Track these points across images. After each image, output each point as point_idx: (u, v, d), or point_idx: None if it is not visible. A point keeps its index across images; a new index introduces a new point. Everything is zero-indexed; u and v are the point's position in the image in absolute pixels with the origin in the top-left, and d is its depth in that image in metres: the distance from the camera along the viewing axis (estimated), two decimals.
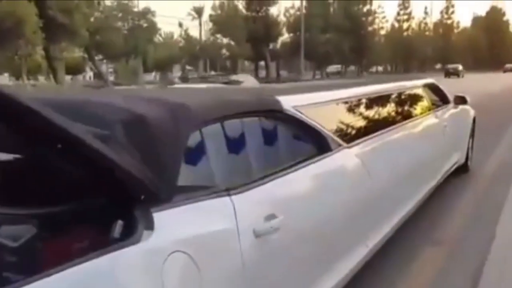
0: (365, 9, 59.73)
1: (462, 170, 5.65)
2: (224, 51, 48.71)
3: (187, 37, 47.52)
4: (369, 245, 2.75)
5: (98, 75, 41.80)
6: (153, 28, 44.43)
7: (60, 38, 29.69)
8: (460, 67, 51.97)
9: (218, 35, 47.79)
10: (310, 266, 2.20)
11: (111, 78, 43.71)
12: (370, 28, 61.83)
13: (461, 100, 5.66)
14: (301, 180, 2.25)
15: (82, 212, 1.57)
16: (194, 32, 53.53)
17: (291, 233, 1.97)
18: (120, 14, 43.05)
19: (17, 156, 1.78)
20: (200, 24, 44.09)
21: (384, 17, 69.86)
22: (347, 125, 2.99)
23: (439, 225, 4.06)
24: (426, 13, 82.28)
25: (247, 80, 16.84)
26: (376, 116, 3.52)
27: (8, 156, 1.78)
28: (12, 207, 1.67)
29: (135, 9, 43.12)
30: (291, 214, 2.01)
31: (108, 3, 40.71)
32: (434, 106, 4.98)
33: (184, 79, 34.25)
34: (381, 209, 2.97)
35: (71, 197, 1.58)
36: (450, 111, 5.34)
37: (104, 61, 44.98)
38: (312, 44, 46.32)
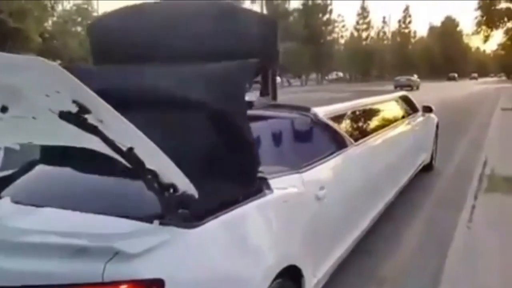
0: (324, 18, 62.10)
1: (428, 168, 6.99)
2: None
3: None
4: (378, 208, 4.14)
5: None
6: None
7: (11, 42, 29.04)
8: (414, 78, 46.98)
9: None
10: (346, 217, 3.39)
11: None
12: (329, 37, 64.25)
13: (427, 109, 7.02)
14: (333, 166, 3.40)
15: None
16: None
17: (331, 198, 3.10)
18: (79, 19, 43.25)
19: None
20: None
21: (343, 26, 72.85)
22: (354, 129, 4.20)
23: (415, 198, 5.73)
24: (384, 22, 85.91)
25: None
26: (372, 122, 4.79)
27: None
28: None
29: (95, 14, 43.46)
30: (330, 187, 3.14)
31: (67, 7, 40.81)
32: (407, 114, 6.27)
33: None
34: (380, 187, 4.27)
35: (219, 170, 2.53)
36: (419, 118, 6.66)
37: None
38: None
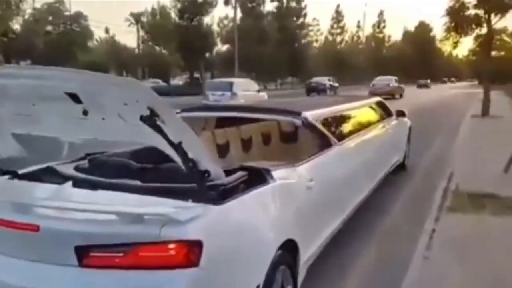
0: (299, 22, 63.15)
1: (401, 168, 7.73)
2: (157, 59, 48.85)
3: (113, 43, 47.30)
4: (358, 198, 4.85)
5: None
6: (85, 33, 44.70)
7: None
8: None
9: (150, 43, 48.14)
10: (331, 204, 4.05)
11: None
12: (304, 41, 65.35)
13: (401, 113, 7.79)
14: (320, 162, 4.04)
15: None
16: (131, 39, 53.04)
17: (318, 188, 3.74)
18: (50, 18, 43.15)
19: None
20: (138, 31, 44.63)
21: (318, 30, 74.31)
22: (338, 130, 4.88)
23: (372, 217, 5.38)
24: (358, 26, 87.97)
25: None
26: (353, 123, 5.49)
27: None
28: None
29: (67, 13, 43.45)
30: (317, 179, 3.78)
31: (37, 5, 40.66)
32: (382, 118, 6.99)
33: None
34: (359, 180, 4.95)
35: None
36: (393, 121, 7.40)
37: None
38: (247, 56, 47.57)
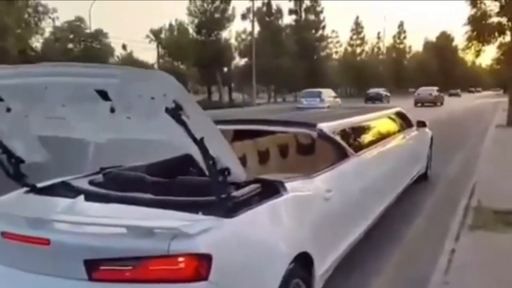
0: (317, 34, 63.24)
1: (423, 177, 7.62)
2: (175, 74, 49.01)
3: (129, 59, 47.58)
4: (377, 210, 4.79)
5: None
6: (105, 50, 45.46)
7: None
8: (383, 92, 46.72)
9: (167, 58, 48.41)
10: (349, 216, 3.97)
11: None
12: (323, 53, 65.34)
13: (421, 124, 7.68)
14: (338, 173, 3.99)
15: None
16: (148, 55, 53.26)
17: (336, 199, 3.68)
18: (71, 36, 44.02)
19: None
20: (158, 47, 45.06)
21: (338, 42, 74.23)
22: (355, 142, 4.82)
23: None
24: (379, 37, 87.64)
25: None
26: (371, 134, 5.42)
27: None
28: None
29: (87, 31, 44.26)
30: (335, 190, 3.73)
31: (58, 23, 41.49)
32: (402, 128, 6.90)
33: None
34: (378, 192, 4.89)
35: None
36: (413, 132, 7.29)
37: None
38: (265, 69, 47.82)
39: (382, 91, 47.12)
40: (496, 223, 5.13)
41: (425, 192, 7.23)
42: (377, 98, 43.59)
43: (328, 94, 32.29)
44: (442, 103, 40.77)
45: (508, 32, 18.46)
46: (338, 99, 33.08)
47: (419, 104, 37.85)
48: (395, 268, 4.36)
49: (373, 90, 47.21)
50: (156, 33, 45.31)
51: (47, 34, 40.82)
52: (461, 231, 4.99)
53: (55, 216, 2.56)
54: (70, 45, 44.12)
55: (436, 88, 42.73)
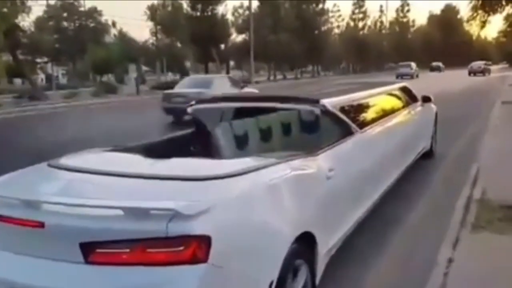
0: (318, 8, 62.33)
1: (429, 154, 7.58)
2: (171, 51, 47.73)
3: (122, 37, 46.63)
4: (381, 189, 4.74)
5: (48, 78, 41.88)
6: (100, 28, 44.99)
7: None
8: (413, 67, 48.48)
9: (160, 36, 47.40)
10: (352, 195, 3.94)
11: (64, 81, 43.85)
12: (324, 28, 64.55)
13: (426, 99, 7.59)
14: (342, 150, 3.94)
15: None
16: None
17: (339, 177, 3.64)
18: (64, 14, 43.58)
19: None
20: (156, 25, 44.12)
21: (340, 16, 73.33)
22: (359, 118, 4.76)
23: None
24: (381, 11, 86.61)
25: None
26: (375, 110, 5.33)
27: None
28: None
29: (81, 9, 43.79)
30: (337, 169, 3.68)
31: (51, 2, 41.03)
32: (407, 104, 6.82)
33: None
34: (383, 170, 4.84)
35: None
36: (418, 107, 7.21)
37: (49, 64, 44.97)
38: (263, 45, 47.18)
39: (413, 65, 49.63)
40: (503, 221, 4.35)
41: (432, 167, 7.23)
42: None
43: (414, 65, 47.36)
44: (489, 73, 51.88)
45: None
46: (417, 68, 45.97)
47: (471, 74, 50.86)
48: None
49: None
50: (152, 10, 44.44)
51: (37, 13, 40.30)
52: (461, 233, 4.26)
53: (49, 198, 2.52)
54: (65, 24, 43.73)
55: (485, 61, 57.01)
